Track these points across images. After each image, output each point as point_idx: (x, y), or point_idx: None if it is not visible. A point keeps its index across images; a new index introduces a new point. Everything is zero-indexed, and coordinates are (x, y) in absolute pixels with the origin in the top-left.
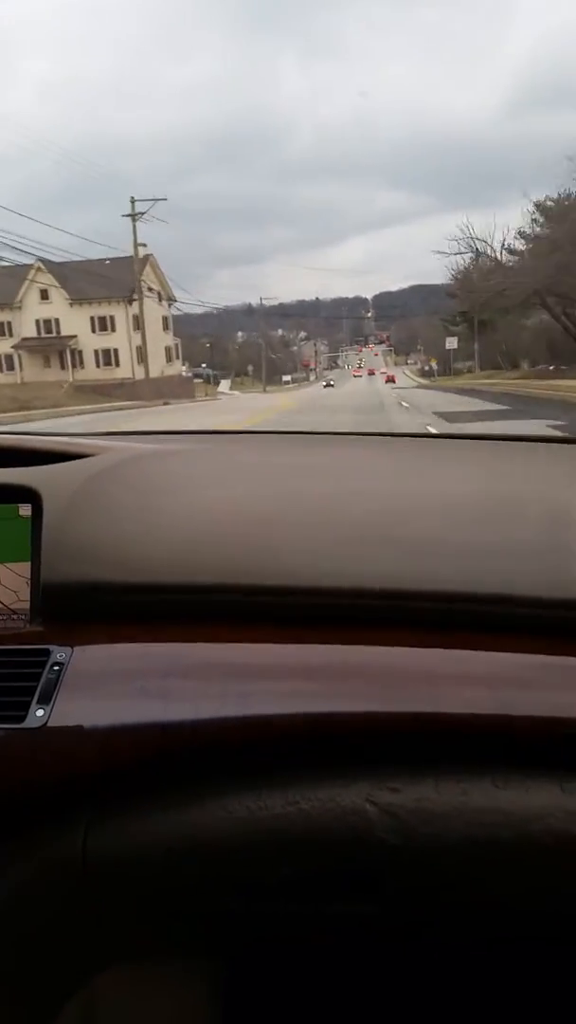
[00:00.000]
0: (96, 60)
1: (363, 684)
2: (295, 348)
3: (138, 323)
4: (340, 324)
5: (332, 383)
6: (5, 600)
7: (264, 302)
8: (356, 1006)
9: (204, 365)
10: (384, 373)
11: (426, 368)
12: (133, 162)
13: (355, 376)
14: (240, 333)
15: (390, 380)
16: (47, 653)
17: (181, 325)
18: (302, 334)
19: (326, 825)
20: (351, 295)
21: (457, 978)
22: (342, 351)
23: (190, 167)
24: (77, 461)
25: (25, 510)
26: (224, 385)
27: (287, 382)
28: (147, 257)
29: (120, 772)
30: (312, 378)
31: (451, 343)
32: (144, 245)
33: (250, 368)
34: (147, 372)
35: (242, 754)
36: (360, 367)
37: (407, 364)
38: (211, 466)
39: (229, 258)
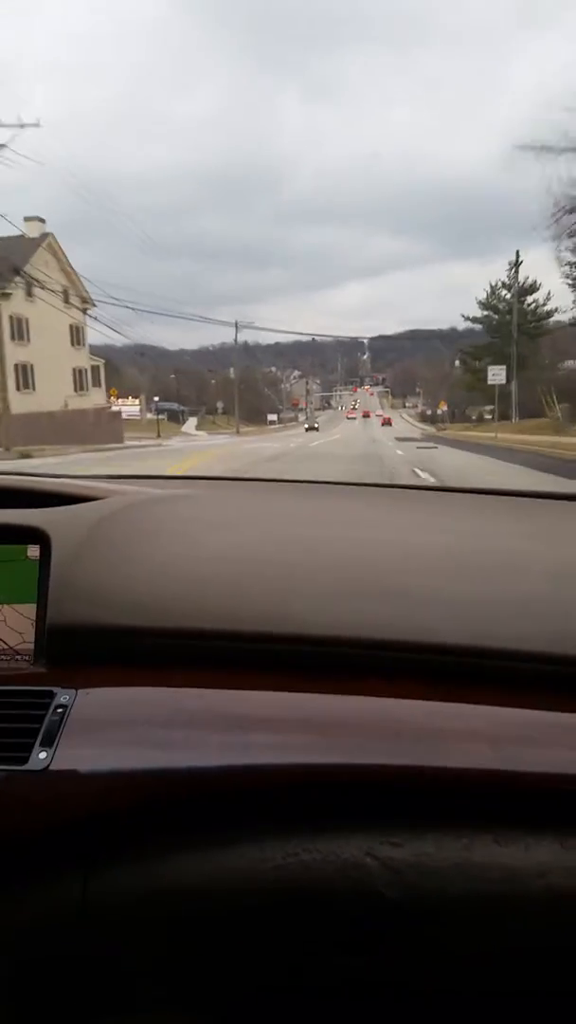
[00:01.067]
0: (93, 95)
1: (365, 736)
2: (286, 386)
3: (19, 329)
4: (335, 365)
5: (316, 426)
6: (10, 641)
7: (254, 333)
8: None
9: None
10: (380, 416)
11: (429, 412)
12: (131, 197)
13: (348, 418)
14: (231, 369)
15: (386, 423)
16: (51, 695)
17: (169, 359)
18: (296, 373)
19: (326, 878)
20: (347, 337)
21: None
22: (336, 391)
23: (190, 206)
24: (86, 504)
25: (33, 552)
26: (190, 424)
27: (272, 422)
28: (45, 237)
29: (121, 818)
30: (301, 418)
31: (497, 375)
32: (42, 220)
33: (220, 405)
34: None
35: (242, 804)
36: (354, 408)
37: (404, 407)
38: (217, 512)
39: (227, 298)
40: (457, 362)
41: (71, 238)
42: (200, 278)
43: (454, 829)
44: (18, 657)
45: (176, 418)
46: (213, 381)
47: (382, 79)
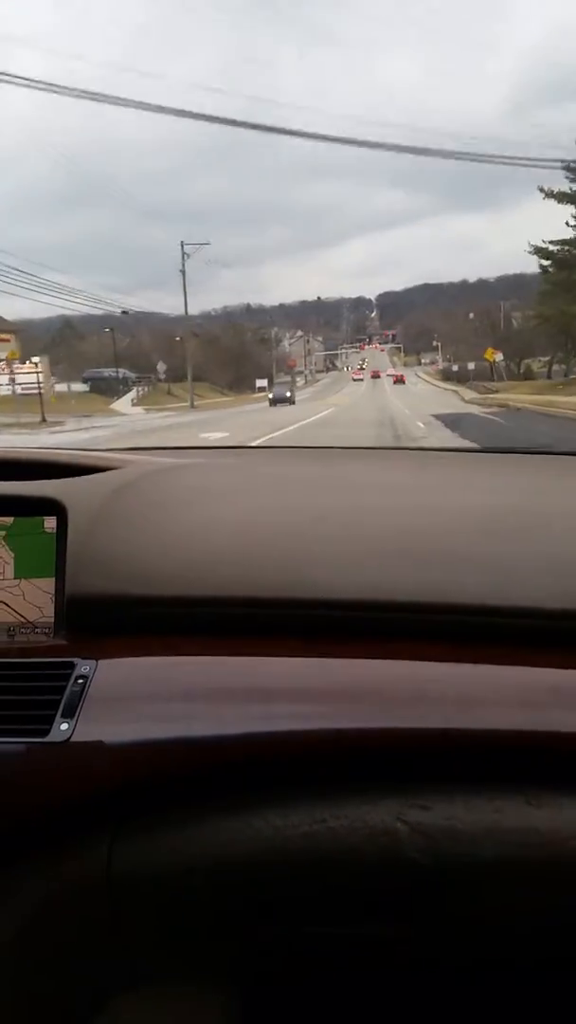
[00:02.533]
0: (91, 55)
1: (390, 700)
2: (285, 346)
3: None
4: (339, 324)
5: (288, 396)
6: (29, 616)
7: (258, 294)
8: None
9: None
10: (392, 375)
11: (455, 368)
12: (131, 163)
13: (355, 380)
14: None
15: (399, 381)
16: (71, 666)
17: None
18: (298, 333)
19: (355, 844)
20: (353, 295)
21: (485, 1009)
22: (341, 349)
23: (188, 166)
24: (101, 474)
25: (50, 524)
26: (124, 400)
27: (262, 389)
28: None
29: (143, 788)
30: (301, 383)
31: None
32: None
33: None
34: None
35: (267, 771)
36: (361, 368)
37: (420, 364)
38: (232, 480)
39: (231, 260)
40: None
41: (67, 208)
42: (201, 240)
43: (485, 792)
44: (38, 630)
45: (113, 390)
46: (178, 338)
47: (383, 26)
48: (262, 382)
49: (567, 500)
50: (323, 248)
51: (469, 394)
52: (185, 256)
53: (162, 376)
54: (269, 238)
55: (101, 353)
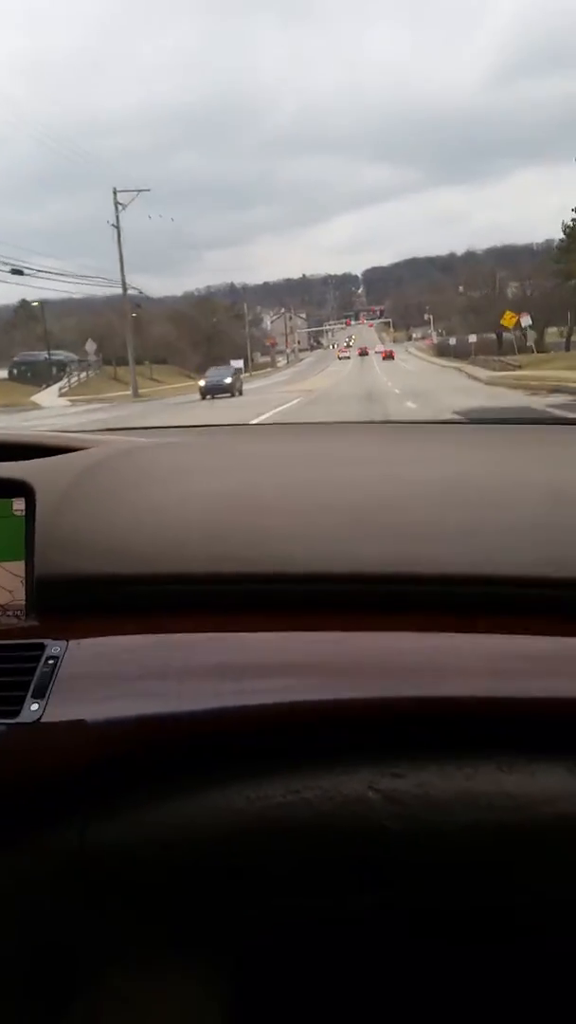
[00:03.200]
0: (66, 34)
1: (362, 670)
2: (267, 324)
3: None
4: (325, 301)
5: (229, 384)
6: (0, 599)
7: (242, 273)
8: (362, 1003)
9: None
10: (381, 352)
11: (452, 343)
12: (109, 142)
13: (340, 358)
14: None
15: (388, 357)
16: (41, 648)
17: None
18: (281, 310)
19: (329, 813)
20: (339, 272)
21: (464, 977)
22: (326, 326)
23: (169, 146)
24: (70, 454)
25: (19, 506)
26: (51, 390)
27: (236, 369)
28: None
29: (117, 765)
30: (283, 363)
31: None
32: None
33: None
34: None
35: (240, 744)
36: (348, 345)
37: (411, 340)
38: (204, 458)
39: (214, 240)
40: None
41: (48, 190)
42: (183, 221)
43: (457, 758)
44: (9, 613)
45: (44, 377)
46: (134, 315)
47: None
48: (237, 363)
49: (538, 469)
50: (310, 225)
51: (481, 372)
52: (119, 207)
53: (92, 359)
54: (255, 216)
55: (54, 336)
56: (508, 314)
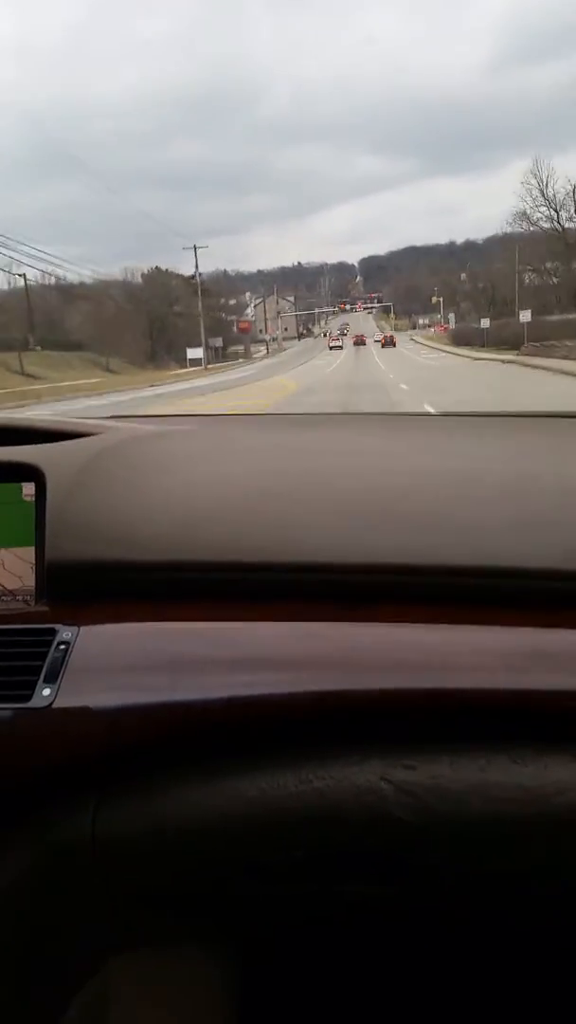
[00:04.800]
0: (57, 17)
1: (374, 661)
2: (250, 310)
3: None
4: (318, 288)
5: None
6: (10, 585)
7: (235, 260)
8: (371, 994)
9: None
10: (379, 341)
11: (476, 326)
12: (103, 128)
13: (332, 347)
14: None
15: (388, 343)
16: (53, 632)
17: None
18: (264, 294)
19: (340, 803)
20: (335, 261)
21: (476, 967)
22: (318, 310)
23: (164, 133)
24: (80, 440)
25: (29, 491)
26: None
27: (195, 361)
28: None
29: (128, 752)
30: (261, 353)
31: None
32: None
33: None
34: None
35: (252, 733)
36: (343, 334)
37: (416, 328)
38: (214, 445)
39: (210, 229)
40: None
41: (38, 177)
42: (179, 209)
43: (470, 750)
44: (19, 599)
45: None
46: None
47: None
48: (195, 352)
49: (546, 461)
50: (307, 215)
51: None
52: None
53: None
54: (252, 205)
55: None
56: None
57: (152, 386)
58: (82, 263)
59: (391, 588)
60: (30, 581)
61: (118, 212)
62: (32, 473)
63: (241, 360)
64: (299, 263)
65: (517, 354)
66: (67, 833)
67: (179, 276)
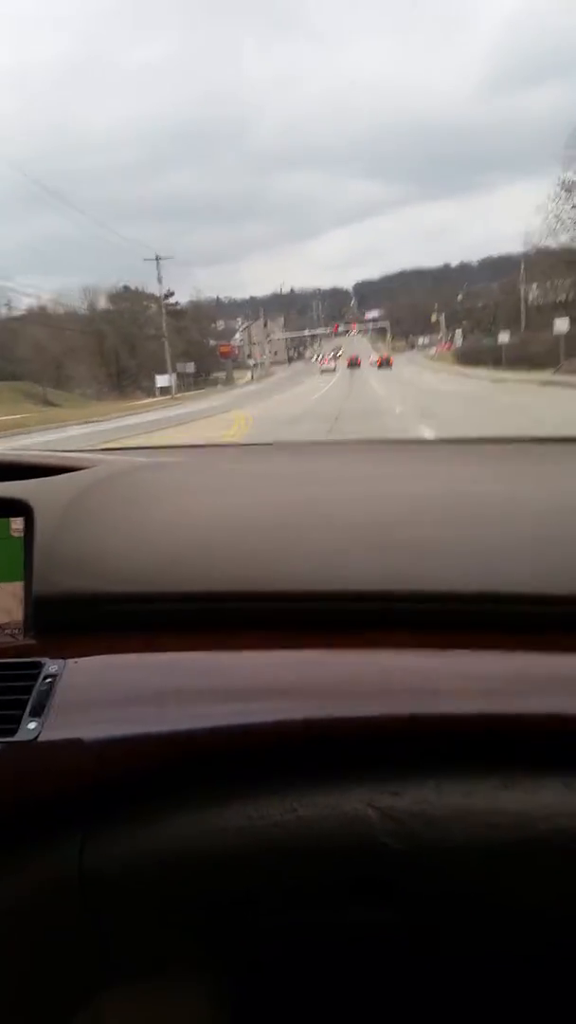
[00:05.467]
0: (48, 48)
1: (360, 688)
2: (237, 337)
3: None
4: (310, 313)
5: None
6: None
7: (227, 288)
8: (361, 1021)
9: None
10: (374, 362)
11: (506, 339)
12: (95, 160)
13: (324, 370)
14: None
15: (384, 364)
16: (39, 666)
17: None
18: (249, 318)
19: (327, 831)
20: (328, 286)
21: (464, 994)
22: (311, 336)
23: (157, 163)
24: (69, 474)
25: (17, 526)
26: None
27: (164, 389)
28: None
29: (115, 785)
30: (246, 378)
31: None
32: None
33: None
34: None
35: (239, 763)
36: (335, 356)
37: (415, 349)
38: (202, 477)
39: (205, 257)
40: None
41: (27, 209)
42: (174, 240)
43: (455, 776)
44: (7, 632)
45: None
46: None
47: (350, 6)
48: (163, 379)
49: (535, 487)
50: (301, 241)
51: None
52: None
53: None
54: (246, 233)
55: None
56: None
57: (87, 423)
58: (70, 293)
59: (378, 615)
60: (19, 614)
61: (112, 243)
62: (21, 508)
63: (220, 387)
64: (292, 289)
65: (554, 372)
66: (54, 868)
67: (151, 296)
